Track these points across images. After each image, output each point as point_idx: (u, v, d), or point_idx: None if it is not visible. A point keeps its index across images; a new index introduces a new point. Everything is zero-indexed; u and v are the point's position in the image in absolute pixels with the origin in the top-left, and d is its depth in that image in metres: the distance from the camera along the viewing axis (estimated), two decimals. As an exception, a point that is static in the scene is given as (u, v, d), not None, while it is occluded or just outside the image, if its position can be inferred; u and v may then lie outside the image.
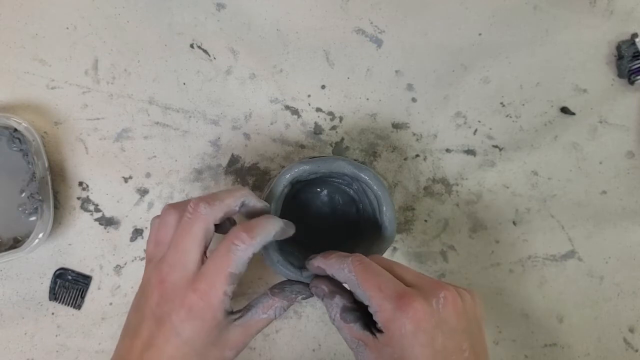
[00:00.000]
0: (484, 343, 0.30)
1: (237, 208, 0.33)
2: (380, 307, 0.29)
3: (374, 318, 0.29)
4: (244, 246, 0.30)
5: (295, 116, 0.46)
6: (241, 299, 0.45)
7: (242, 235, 0.31)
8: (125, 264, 0.45)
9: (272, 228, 0.32)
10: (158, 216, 0.34)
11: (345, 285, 0.33)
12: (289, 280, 0.37)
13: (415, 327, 0.27)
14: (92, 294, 0.44)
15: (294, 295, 0.35)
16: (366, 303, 0.30)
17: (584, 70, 0.48)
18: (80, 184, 0.45)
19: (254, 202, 0.34)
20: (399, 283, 0.30)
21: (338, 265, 0.32)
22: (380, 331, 0.29)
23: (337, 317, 0.32)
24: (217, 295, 0.30)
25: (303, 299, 0.35)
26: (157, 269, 0.31)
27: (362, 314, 0.32)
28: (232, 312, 0.32)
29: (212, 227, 0.32)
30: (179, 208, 0.33)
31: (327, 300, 0.33)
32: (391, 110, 0.47)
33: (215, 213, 0.31)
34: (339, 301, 0.32)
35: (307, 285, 0.36)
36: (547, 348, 0.46)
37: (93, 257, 0.44)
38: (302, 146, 0.46)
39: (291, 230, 0.35)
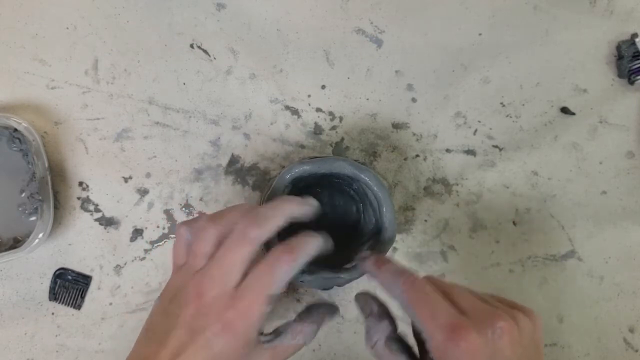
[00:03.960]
0: None
1: (285, 224, 0.32)
2: (432, 336, 0.28)
3: (427, 347, 0.28)
4: (286, 268, 0.30)
5: (295, 116, 0.46)
6: (241, 299, 0.45)
7: (284, 257, 0.30)
8: (125, 264, 0.45)
9: (313, 248, 0.32)
10: (186, 223, 0.33)
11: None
12: (315, 304, 0.36)
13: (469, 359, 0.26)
14: (92, 294, 0.44)
15: (320, 318, 0.34)
16: (418, 328, 0.29)
17: (584, 70, 0.48)
18: (80, 184, 0.45)
19: (300, 212, 0.33)
20: (452, 310, 0.28)
21: (390, 282, 0.31)
22: None
23: (381, 344, 0.31)
24: (254, 315, 0.29)
25: (330, 319, 0.34)
26: (196, 280, 0.30)
27: (407, 345, 0.31)
28: (261, 334, 0.32)
29: (259, 249, 0.31)
30: (221, 224, 0.32)
31: (372, 321, 0.32)
32: (391, 110, 0.47)
33: (264, 236, 0.31)
34: (386, 327, 0.31)
35: (332, 305, 0.35)
36: (547, 348, 0.46)
37: (93, 257, 0.44)
38: (302, 146, 0.46)
39: (330, 246, 0.34)
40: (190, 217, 0.45)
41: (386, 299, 0.33)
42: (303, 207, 0.34)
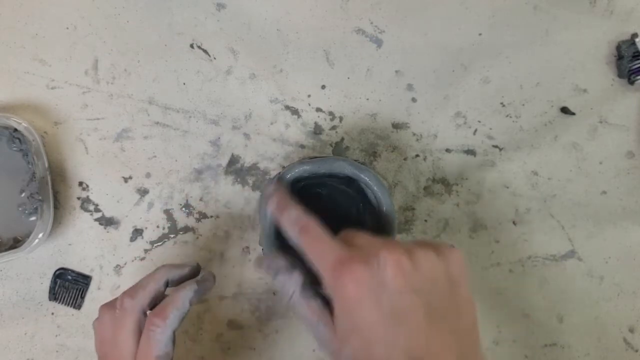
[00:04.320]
0: (453, 301, 0.28)
1: (163, 288, 0.35)
2: (323, 276, 0.27)
3: (323, 289, 0.28)
4: (160, 329, 0.32)
5: (295, 116, 0.46)
6: (241, 299, 0.45)
7: (155, 321, 0.32)
8: (125, 264, 0.45)
9: (185, 300, 0.33)
10: (106, 304, 0.36)
11: None
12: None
13: (357, 291, 0.25)
14: (92, 294, 0.44)
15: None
16: (315, 272, 0.28)
17: (584, 70, 0.48)
18: (80, 184, 0.45)
19: (178, 273, 0.36)
20: (339, 247, 0.28)
21: (288, 228, 0.30)
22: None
23: (297, 295, 0.29)
24: None
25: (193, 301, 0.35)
26: None
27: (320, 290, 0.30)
28: None
29: (142, 316, 0.33)
30: (111, 305, 0.34)
31: (283, 277, 0.30)
32: (391, 110, 0.47)
33: (141, 303, 0.33)
34: (297, 277, 0.30)
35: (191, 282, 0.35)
36: (547, 348, 0.46)
37: (93, 257, 0.44)
38: (302, 146, 0.46)
39: (210, 284, 0.36)
40: (191, 217, 0.45)
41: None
42: (179, 271, 0.36)
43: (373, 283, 0.26)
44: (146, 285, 0.34)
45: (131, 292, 0.34)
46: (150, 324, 0.32)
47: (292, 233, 0.31)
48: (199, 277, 0.36)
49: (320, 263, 0.28)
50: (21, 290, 0.44)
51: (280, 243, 0.37)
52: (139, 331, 0.33)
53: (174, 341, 0.33)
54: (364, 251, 0.27)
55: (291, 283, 0.30)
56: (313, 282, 0.30)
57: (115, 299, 0.35)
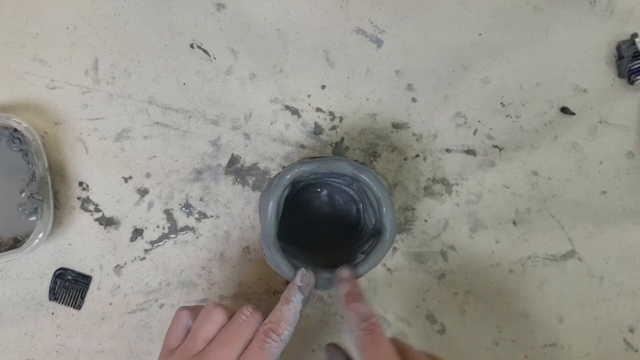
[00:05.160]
0: None
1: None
2: None
3: None
4: (276, 344, 0.31)
5: (295, 116, 0.46)
6: (241, 299, 0.45)
7: (272, 335, 0.31)
8: (125, 264, 0.45)
9: (296, 316, 0.33)
10: (188, 307, 0.34)
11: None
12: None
13: None
14: (92, 294, 0.44)
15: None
16: None
17: (584, 70, 0.48)
18: (80, 184, 0.45)
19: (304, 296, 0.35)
20: None
21: (353, 323, 0.32)
22: None
23: None
24: None
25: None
26: None
27: None
28: None
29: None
30: (230, 311, 0.33)
31: None
32: (391, 110, 0.47)
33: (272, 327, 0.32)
34: None
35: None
36: (547, 348, 0.46)
37: (93, 257, 0.44)
38: (302, 146, 0.46)
39: (311, 286, 0.36)
40: (191, 217, 0.45)
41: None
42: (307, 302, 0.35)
43: None
44: (289, 320, 0.33)
45: (276, 323, 0.32)
46: (266, 336, 0.31)
47: (354, 324, 0.32)
48: (298, 281, 0.35)
49: None
50: (21, 290, 0.44)
51: (281, 244, 0.37)
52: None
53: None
54: None
55: None
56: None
57: (228, 306, 0.34)
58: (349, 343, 0.45)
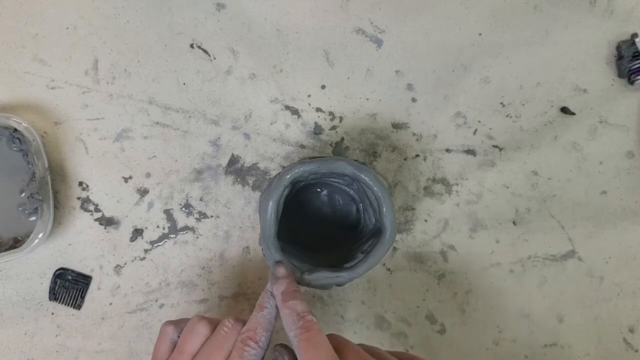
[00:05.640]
0: None
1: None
2: None
3: None
4: (254, 352, 0.32)
5: (295, 116, 0.46)
6: (242, 299, 0.45)
7: (250, 343, 0.32)
8: (125, 264, 0.45)
9: (272, 322, 0.33)
10: (173, 322, 0.35)
11: None
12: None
13: None
14: (92, 294, 0.44)
15: None
16: None
17: (584, 70, 0.48)
18: (80, 184, 0.45)
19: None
20: None
21: (288, 322, 0.32)
22: None
23: None
24: None
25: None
26: None
27: None
28: None
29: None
30: (214, 323, 0.34)
31: None
32: (391, 110, 0.47)
33: (251, 335, 0.32)
34: None
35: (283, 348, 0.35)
36: (547, 348, 0.46)
37: (93, 257, 0.44)
38: (302, 146, 0.46)
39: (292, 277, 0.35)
40: (191, 217, 0.45)
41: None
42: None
43: None
44: (265, 326, 0.33)
45: (252, 330, 0.32)
46: (244, 344, 0.32)
47: (290, 323, 0.32)
48: (269, 286, 0.35)
49: None
50: (21, 290, 0.44)
51: (281, 244, 0.37)
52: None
53: None
54: None
55: None
56: None
57: (216, 319, 0.34)
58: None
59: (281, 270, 0.36)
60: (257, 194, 0.46)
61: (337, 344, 0.31)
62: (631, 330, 0.46)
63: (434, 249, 0.46)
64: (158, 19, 0.46)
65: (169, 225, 0.45)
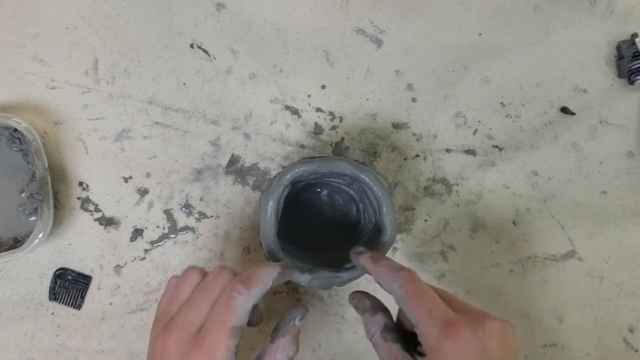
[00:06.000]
0: None
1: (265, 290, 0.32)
2: (427, 330, 0.28)
3: (419, 339, 0.29)
4: (242, 298, 0.30)
5: (295, 116, 0.46)
6: (241, 299, 0.45)
7: (239, 287, 0.30)
8: (125, 264, 0.45)
9: (269, 276, 0.31)
10: (176, 276, 0.34)
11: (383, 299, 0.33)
12: (281, 319, 0.35)
13: (460, 354, 0.27)
14: (92, 294, 0.44)
15: (291, 325, 0.33)
16: (413, 322, 0.29)
17: (584, 70, 0.48)
18: (80, 184, 0.45)
19: (282, 280, 0.33)
20: (448, 308, 0.29)
21: (388, 276, 0.31)
22: (421, 354, 0.29)
23: (377, 335, 0.31)
24: (220, 351, 0.28)
25: (300, 320, 0.34)
26: (166, 329, 0.30)
27: (403, 335, 0.31)
28: None
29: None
30: (203, 272, 0.33)
31: (367, 317, 0.33)
32: (391, 110, 0.47)
33: (243, 282, 0.31)
34: (380, 319, 0.32)
35: (298, 308, 0.34)
36: (547, 348, 0.46)
37: (93, 257, 0.44)
38: (302, 146, 0.46)
39: (291, 274, 0.35)
40: (191, 217, 0.45)
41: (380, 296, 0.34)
42: (285, 276, 0.34)
43: (478, 349, 0.28)
44: (261, 276, 0.31)
45: (246, 277, 0.31)
46: (232, 290, 0.30)
47: (391, 276, 0.31)
48: (282, 263, 0.34)
49: (425, 316, 0.29)
50: (21, 290, 0.44)
51: (281, 244, 0.37)
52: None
53: (248, 322, 0.30)
54: (469, 318, 0.29)
55: (373, 323, 0.32)
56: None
57: (205, 270, 0.33)
58: (350, 343, 0.45)
59: (360, 248, 0.35)
60: (257, 194, 0.46)
61: (440, 292, 0.31)
62: (631, 330, 0.46)
63: (434, 249, 0.46)
64: (158, 19, 0.46)
65: (169, 225, 0.45)
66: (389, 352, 0.31)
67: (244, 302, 0.29)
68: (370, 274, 0.33)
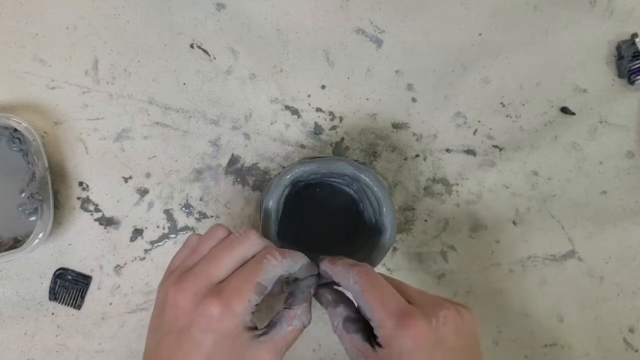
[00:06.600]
0: (480, 358, 0.31)
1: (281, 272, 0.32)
2: (381, 323, 0.29)
3: (375, 332, 0.29)
4: (276, 262, 0.30)
5: (295, 116, 0.46)
6: (241, 299, 0.45)
7: (274, 252, 0.30)
8: (125, 264, 0.45)
9: (300, 259, 0.32)
10: (197, 234, 0.34)
11: (349, 294, 0.33)
12: (295, 285, 0.35)
13: (415, 345, 0.28)
14: (92, 294, 0.44)
15: (307, 293, 0.33)
16: (368, 316, 0.30)
17: (584, 70, 0.48)
18: (80, 184, 0.45)
19: (293, 269, 0.33)
20: (402, 299, 0.30)
21: (343, 274, 0.32)
22: (380, 345, 0.29)
23: (339, 327, 0.32)
24: (241, 302, 0.28)
25: (314, 289, 0.34)
26: (180, 279, 0.30)
27: (364, 325, 0.32)
28: (255, 329, 0.30)
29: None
30: (230, 230, 0.33)
31: (330, 309, 0.33)
32: (391, 110, 0.47)
33: (263, 244, 0.31)
34: (342, 311, 0.32)
35: (313, 275, 0.35)
36: (547, 348, 0.46)
37: (93, 257, 0.44)
38: (302, 146, 0.46)
39: (314, 270, 0.35)
40: (191, 217, 0.45)
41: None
42: (296, 265, 0.34)
43: (431, 340, 0.28)
44: (294, 254, 0.32)
45: (279, 249, 0.31)
46: (267, 252, 0.30)
47: (346, 272, 0.32)
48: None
49: (379, 308, 0.29)
50: (21, 290, 0.44)
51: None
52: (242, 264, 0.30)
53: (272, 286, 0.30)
54: (423, 308, 0.29)
55: (336, 315, 0.33)
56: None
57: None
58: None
59: (322, 257, 0.36)
60: (257, 194, 0.46)
61: (395, 284, 0.32)
62: (631, 330, 0.46)
63: (434, 249, 0.46)
64: (158, 19, 0.46)
65: (169, 225, 0.45)
66: (350, 342, 0.31)
67: (275, 266, 0.30)
68: (331, 277, 0.33)
